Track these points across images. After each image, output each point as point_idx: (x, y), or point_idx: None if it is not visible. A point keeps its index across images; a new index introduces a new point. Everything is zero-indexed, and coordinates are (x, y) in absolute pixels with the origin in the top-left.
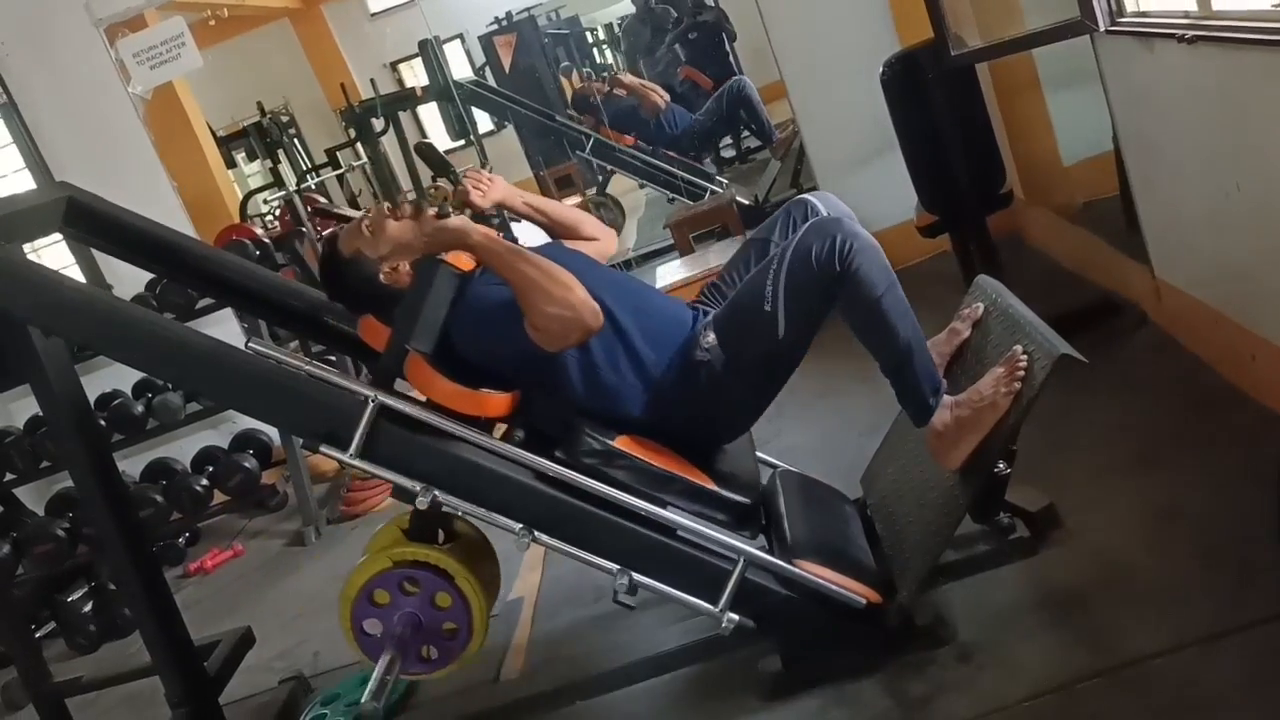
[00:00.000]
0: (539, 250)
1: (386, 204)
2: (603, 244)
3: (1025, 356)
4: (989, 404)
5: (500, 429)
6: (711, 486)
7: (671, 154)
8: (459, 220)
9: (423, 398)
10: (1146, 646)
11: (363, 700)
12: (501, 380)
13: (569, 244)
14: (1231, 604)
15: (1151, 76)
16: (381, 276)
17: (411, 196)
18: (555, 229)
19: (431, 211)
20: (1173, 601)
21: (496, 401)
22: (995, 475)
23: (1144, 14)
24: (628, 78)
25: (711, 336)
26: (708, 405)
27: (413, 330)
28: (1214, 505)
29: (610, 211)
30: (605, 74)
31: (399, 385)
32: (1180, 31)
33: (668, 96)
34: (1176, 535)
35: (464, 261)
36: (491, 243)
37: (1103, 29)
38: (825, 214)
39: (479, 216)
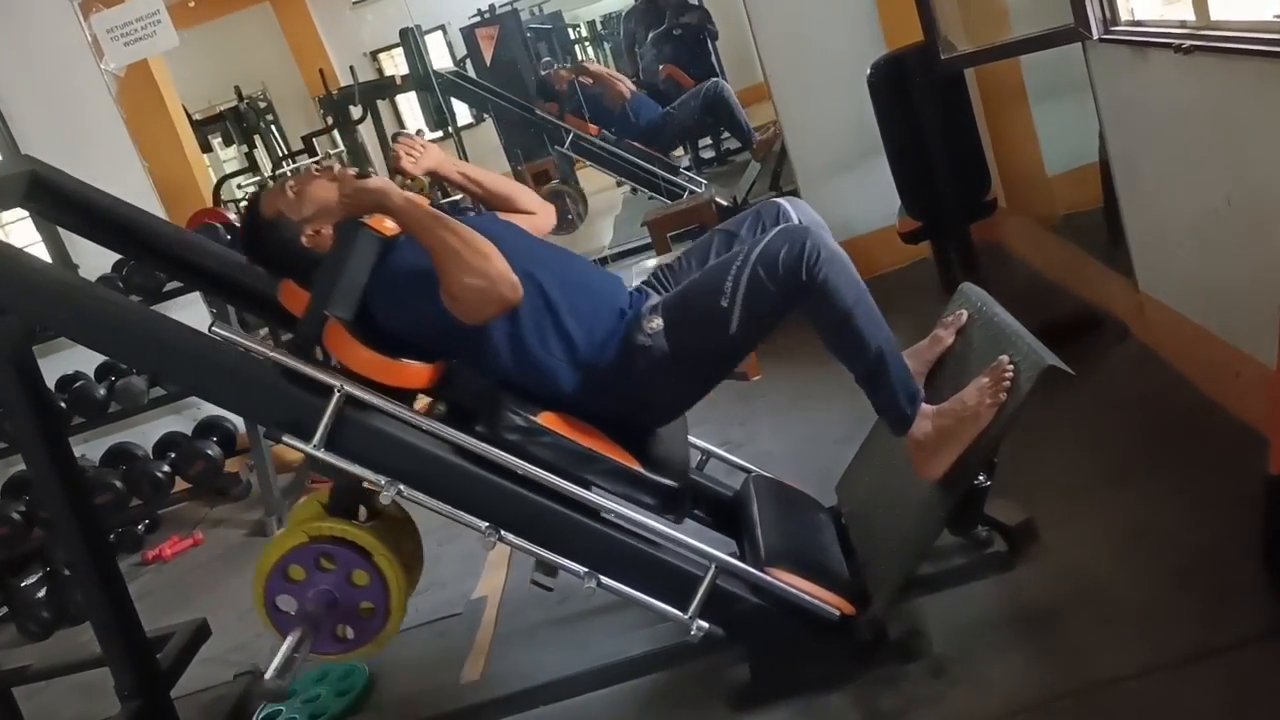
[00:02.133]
0: (468, 221)
1: (314, 165)
2: (539, 218)
3: (1011, 367)
4: (972, 414)
5: (424, 404)
6: (636, 468)
7: (638, 145)
8: (379, 181)
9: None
10: (1120, 667)
11: (266, 676)
12: (425, 352)
13: (503, 216)
14: (1207, 625)
15: (1144, 87)
16: (304, 239)
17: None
18: (490, 201)
19: (351, 171)
20: (1148, 622)
21: (415, 372)
22: (975, 487)
23: (1139, 23)
24: (594, 66)
25: (658, 322)
26: (643, 390)
27: (331, 295)
28: (1192, 523)
29: (574, 201)
30: (571, 63)
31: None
32: (1177, 41)
33: (633, 86)
34: (1154, 553)
35: (387, 226)
36: (411, 207)
37: (1096, 37)
38: (796, 220)
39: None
